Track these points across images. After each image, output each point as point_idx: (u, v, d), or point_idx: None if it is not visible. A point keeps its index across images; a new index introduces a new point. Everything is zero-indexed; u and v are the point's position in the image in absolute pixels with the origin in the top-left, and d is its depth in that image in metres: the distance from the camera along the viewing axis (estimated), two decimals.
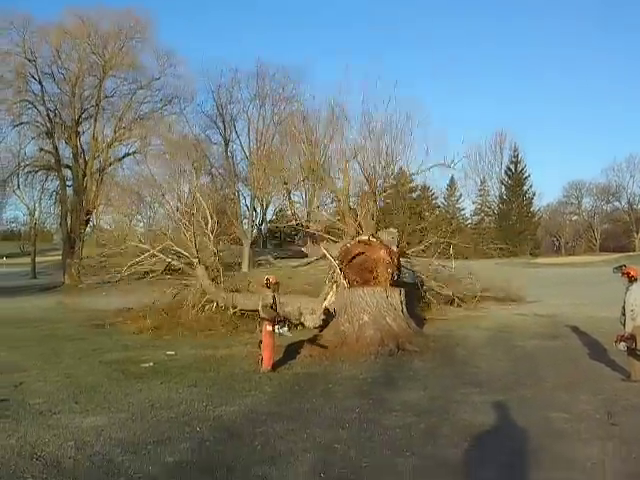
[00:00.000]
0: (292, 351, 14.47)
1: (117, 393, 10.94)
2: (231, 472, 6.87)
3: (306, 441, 7.97)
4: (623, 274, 11.72)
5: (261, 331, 13.42)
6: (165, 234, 22.19)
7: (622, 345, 11.24)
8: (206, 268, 20.41)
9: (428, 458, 7.28)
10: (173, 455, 7.47)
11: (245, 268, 26.85)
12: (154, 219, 25.63)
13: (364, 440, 8.00)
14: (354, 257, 17.44)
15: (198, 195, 22.18)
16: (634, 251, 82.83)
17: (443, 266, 23.52)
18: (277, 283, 14.52)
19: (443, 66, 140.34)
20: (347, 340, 15.00)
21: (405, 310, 16.23)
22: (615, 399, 9.95)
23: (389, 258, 17.08)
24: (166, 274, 20.90)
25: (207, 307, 19.74)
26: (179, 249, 20.47)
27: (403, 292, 16.55)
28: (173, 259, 20.82)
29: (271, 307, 13.31)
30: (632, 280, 11.49)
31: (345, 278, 16.88)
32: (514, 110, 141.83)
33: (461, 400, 10.11)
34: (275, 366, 13.06)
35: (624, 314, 11.32)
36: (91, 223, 45.94)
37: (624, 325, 11.41)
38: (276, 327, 13.67)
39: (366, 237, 17.81)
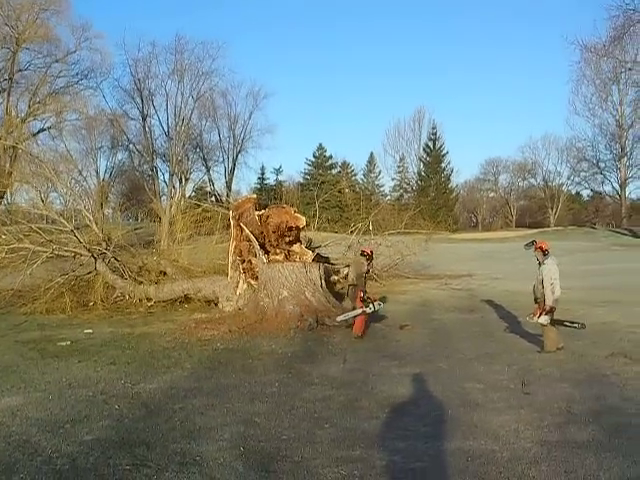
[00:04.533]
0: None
1: (33, 372, 10.69)
2: (150, 448, 6.83)
3: (225, 415, 8.01)
4: (536, 249, 11.98)
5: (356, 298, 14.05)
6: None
7: (544, 319, 11.50)
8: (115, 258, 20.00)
9: (347, 429, 7.41)
10: (91, 433, 7.38)
11: (164, 245, 26.54)
12: (69, 199, 24.86)
13: (283, 413, 8.08)
14: (268, 219, 17.62)
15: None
16: (549, 227, 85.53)
17: (361, 242, 23.69)
18: (371, 253, 15.31)
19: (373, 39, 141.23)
20: (267, 315, 15.04)
21: (324, 285, 16.36)
22: (529, 369, 10.35)
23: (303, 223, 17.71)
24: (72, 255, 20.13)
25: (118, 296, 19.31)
26: (80, 239, 19.62)
27: (322, 267, 16.67)
28: (75, 246, 19.94)
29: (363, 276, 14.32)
30: (546, 254, 11.79)
31: (265, 253, 16.84)
32: (433, 87, 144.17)
33: (380, 373, 10.32)
34: (364, 334, 13.80)
35: (543, 287, 11.51)
36: (5, 201, 44.49)
37: (539, 299, 11.70)
38: (375, 303, 13.98)
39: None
